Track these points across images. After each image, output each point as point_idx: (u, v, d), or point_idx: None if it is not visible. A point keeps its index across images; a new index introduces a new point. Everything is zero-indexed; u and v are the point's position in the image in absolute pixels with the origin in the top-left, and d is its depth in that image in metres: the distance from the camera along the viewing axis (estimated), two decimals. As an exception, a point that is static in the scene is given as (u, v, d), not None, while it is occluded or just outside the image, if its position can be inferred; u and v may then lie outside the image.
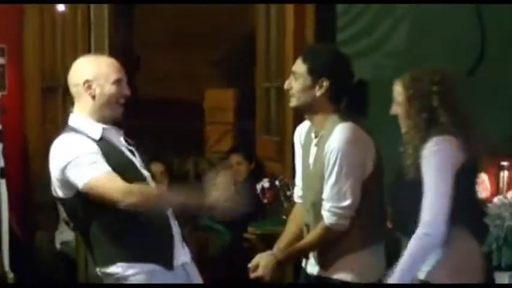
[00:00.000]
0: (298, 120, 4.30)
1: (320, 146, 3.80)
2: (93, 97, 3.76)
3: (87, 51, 6.99)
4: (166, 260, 3.81)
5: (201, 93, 8.90)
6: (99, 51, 6.90)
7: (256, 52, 7.61)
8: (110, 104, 3.78)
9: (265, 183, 6.26)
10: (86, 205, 3.68)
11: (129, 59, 8.03)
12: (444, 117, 3.64)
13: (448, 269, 3.66)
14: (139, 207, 3.61)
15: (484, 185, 5.63)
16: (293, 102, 3.85)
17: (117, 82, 3.77)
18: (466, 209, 3.66)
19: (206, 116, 9.05)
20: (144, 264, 3.76)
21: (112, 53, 7.55)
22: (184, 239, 4.01)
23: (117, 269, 3.76)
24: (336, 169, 3.70)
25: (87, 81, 3.74)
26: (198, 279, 4.00)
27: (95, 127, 3.76)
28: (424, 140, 3.62)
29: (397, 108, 3.74)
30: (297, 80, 3.81)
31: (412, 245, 3.58)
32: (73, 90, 3.81)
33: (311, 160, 3.89)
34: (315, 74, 3.78)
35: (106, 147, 3.72)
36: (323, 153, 3.74)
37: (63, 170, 3.62)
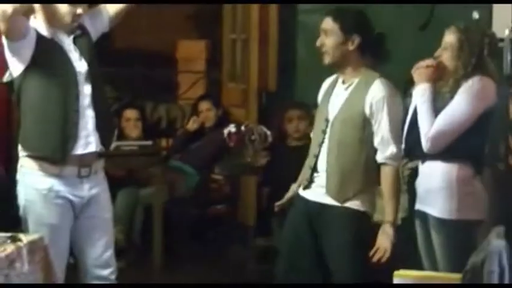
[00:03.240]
0: (262, 70, 4.35)
1: (355, 91, 3.97)
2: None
3: None
4: (56, 150, 3.93)
5: (174, 44, 8.86)
6: None
7: (223, 6, 7.62)
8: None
9: (232, 128, 6.31)
10: (21, 85, 3.92)
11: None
12: (491, 65, 3.87)
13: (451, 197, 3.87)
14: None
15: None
16: (327, 59, 3.97)
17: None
18: (473, 149, 3.88)
19: (179, 65, 9.03)
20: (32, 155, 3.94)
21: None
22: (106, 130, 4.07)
23: (21, 151, 3.98)
24: (387, 117, 3.90)
25: None
26: (100, 184, 4.08)
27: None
28: (466, 77, 3.84)
29: (444, 51, 3.92)
30: (329, 37, 3.93)
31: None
32: None
33: (333, 101, 4.03)
34: (347, 30, 3.93)
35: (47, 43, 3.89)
36: (361, 98, 3.92)
37: None
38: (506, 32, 4.43)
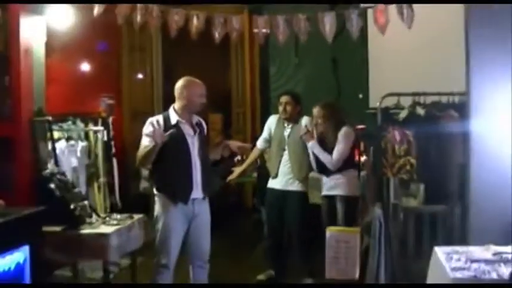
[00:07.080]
0: (254, 131, 6.30)
1: (295, 127, 5.57)
2: (184, 100, 4.50)
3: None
4: (182, 196, 4.47)
5: (206, 116, 8.98)
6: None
7: (231, 90, 9.01)
8: (191, 106, 4.53)
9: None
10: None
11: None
12: (346, 120, 5.54)
13: (346, 186, 5.37)
14: (141, 163, 4.44)
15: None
16: (286, 116, 5.59)
17: (199, 96, 4.52)
18: (348, 162, 5.47)
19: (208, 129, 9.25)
20: (165, 195, 4.48)
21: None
22: (204, 181, 4.51)
23: (156, 193, 4.54)
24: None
25: (181, 91, 4.51)
26: (203, 211, 4.58)
27: (173, 117, 4.51)
28: (336, 130, 5.35)
29: (318, 119, 5.42)
30: (289, 106, 5.58)
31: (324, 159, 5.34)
32: (175, 92, 4.55)
33: (286, 134, 5.60)
34: (296, 102, 5.62)
35: (173, 128, 4.43)
36: (299, 130, 5.48)
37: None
38: (377, 103, 5.29)
